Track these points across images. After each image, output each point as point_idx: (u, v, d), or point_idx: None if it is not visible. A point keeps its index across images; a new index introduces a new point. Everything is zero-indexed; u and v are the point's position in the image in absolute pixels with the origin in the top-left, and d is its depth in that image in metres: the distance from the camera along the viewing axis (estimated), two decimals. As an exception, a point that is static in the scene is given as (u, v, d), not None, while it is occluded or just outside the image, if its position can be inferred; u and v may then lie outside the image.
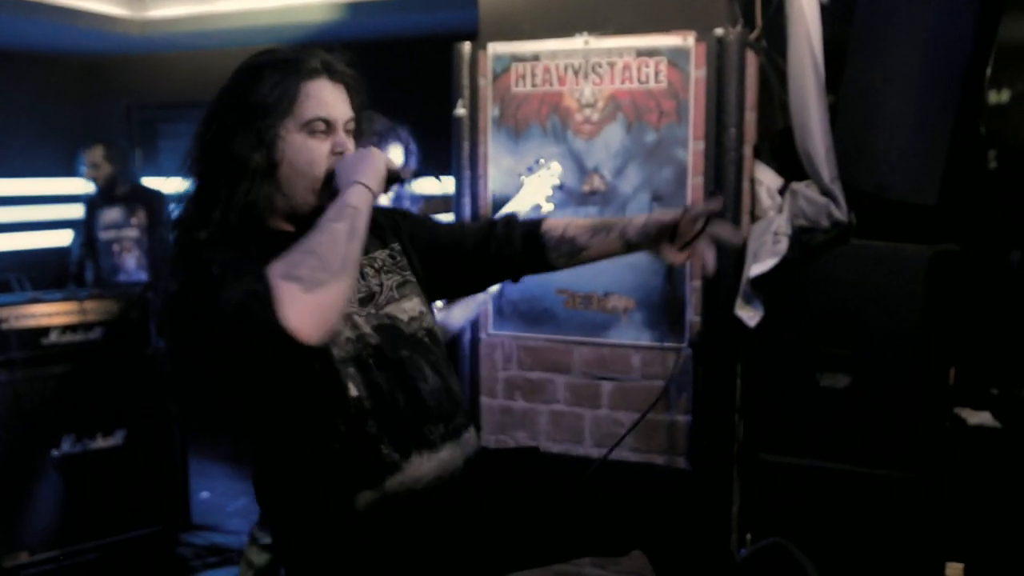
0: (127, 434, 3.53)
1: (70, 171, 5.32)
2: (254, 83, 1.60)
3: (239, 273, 1.47)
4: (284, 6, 4.70)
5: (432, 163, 2.67)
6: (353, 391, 1.59)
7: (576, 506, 1.71)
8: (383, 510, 1.58)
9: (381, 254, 1.78)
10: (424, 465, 1.62)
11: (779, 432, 2.77)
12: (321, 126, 1.62)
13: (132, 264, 4.84)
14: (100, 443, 3.48)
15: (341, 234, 1.50)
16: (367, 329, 1.65)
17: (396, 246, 1.82)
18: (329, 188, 1.62)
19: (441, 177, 2.05)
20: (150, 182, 5.45)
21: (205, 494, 4.13)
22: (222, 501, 4.12)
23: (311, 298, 1.41)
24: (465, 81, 3.10)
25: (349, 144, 1.67)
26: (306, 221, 1.59)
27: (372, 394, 1.60)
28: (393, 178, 1.67)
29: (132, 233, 4.83)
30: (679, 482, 1.84)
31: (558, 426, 3.01)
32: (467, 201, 3.11)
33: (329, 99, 1.64)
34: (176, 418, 3.65)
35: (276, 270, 1.43)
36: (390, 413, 1.61)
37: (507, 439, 3.09)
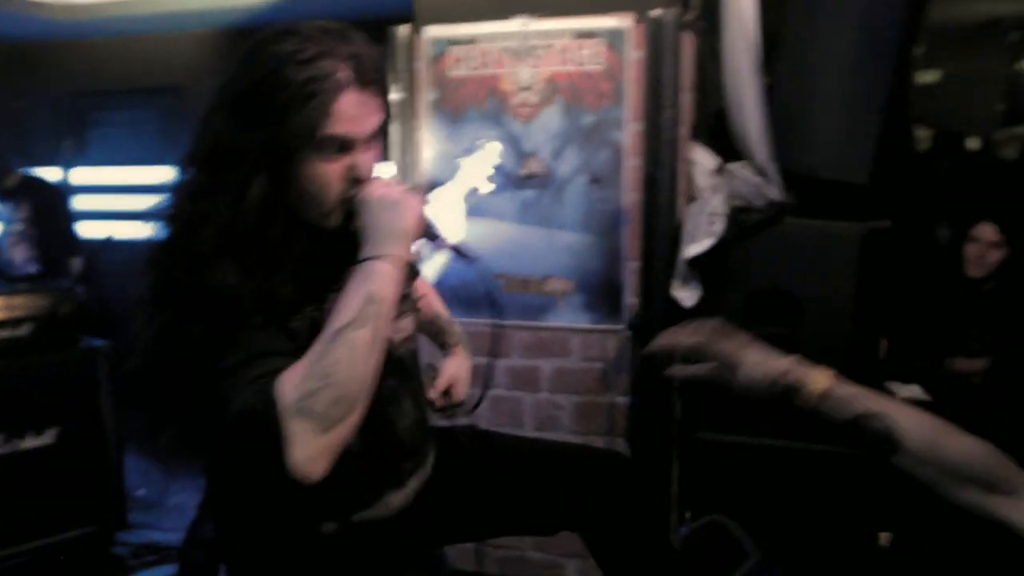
0: (59, 432, 3.42)
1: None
2: (274, 90, 1.31)
3: (251, 339, 1.28)
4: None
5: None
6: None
7: (505, 486, 1.72)
8: (346, 537, 1.54)
9: None
10: (392, 501, 1.58)
11: (716, 411, 2.79)
12: (338, 144, 1.35)
13: (21, 257, 4.74)
14: (31, 442, 3.36)
15: (361, 348, 1.26)
16: None
17: None
18: (345, 210, 1.38)
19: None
20: (50, 173, 5.31)
21: (141, 491, 4.04)
22: (159, 498, 4.03)
23: (324, 440, 1.23)
24: (402, 65, 3.05)
25: (365, 167, 1.39)
26: (308, 247, 1.39)
27: (357, 435, 1.41)
28: (432, 237, 1.42)
29: (18, 227, 4.72)
30: (609, 461, 1.83)
31: (498, 411, 3.00)
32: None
33: (355, 114, 1.34)
34: (111, 416, 3.55)
35: (286, 397, 1.22)
36: (369, 455, 1.50)
37: (447, 425, 3.06)
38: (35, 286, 4.39)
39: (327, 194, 1.37)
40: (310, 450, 1.22)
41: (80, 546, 3.45)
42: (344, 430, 1.26)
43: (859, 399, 1.39)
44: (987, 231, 3.23)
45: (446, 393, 1.82)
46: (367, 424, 1.36)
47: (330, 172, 1.36)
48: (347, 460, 1.33)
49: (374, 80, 1.37)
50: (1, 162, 4.77)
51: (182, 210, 1.36)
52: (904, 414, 1.36)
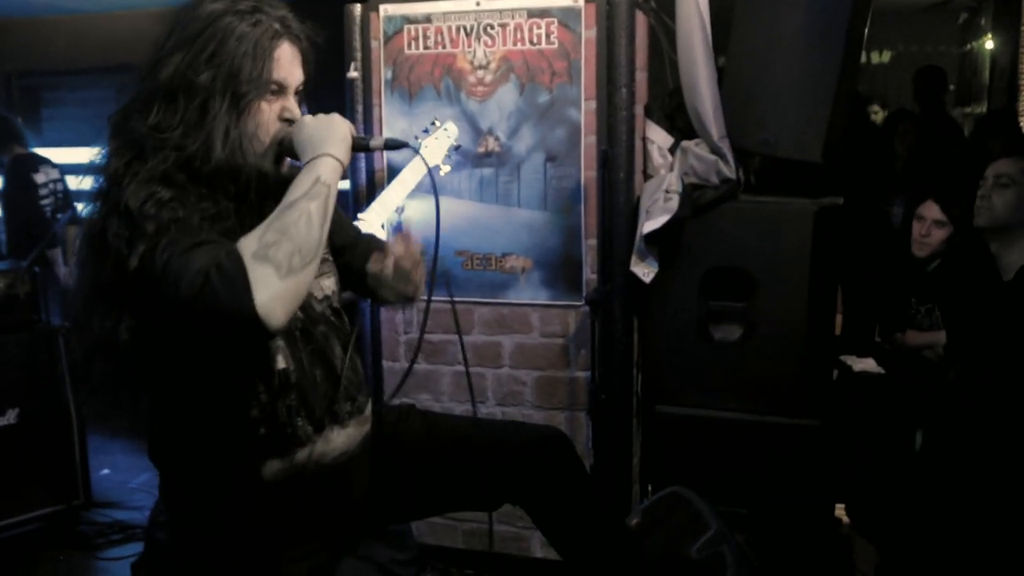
0: (20, 412, 3.41)
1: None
2: (223, 36, 1.51)
3: (191, 231, 1.41)
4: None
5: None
6: (281, 363, 1.58)
7: (444, 461, 1.82)
8: (288, 481, 1.59)
9: None
10: (333, 440, 1.65)
11: (676, 384, 2.85)
12: (274, 87, 1.56)
13: None
14: (-8, 423, 3.35)
15: (315, 215, 1.42)
16: None
17: None
18: (276, 154, 1.57)
19: None
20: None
21: (106, 471, 4.03)
22: (123, 477, 4.03)
23: (284, 284, 1.34)
24: (357, 43, 3.05)
25: (296, 110, 1.60)
26: (247, 187, 1.54)
27: (297, 367, 1.60)
28: (359, 147, 1.61)
29: None
30: (544, 435, 1.91)
31: (460, 387, 3.04)
32: (363, 165, 3.08)
33: (290, 63, 1.57)
34: (72, 394, 3.54)
35: (248, 248, 1.35)
36: (309, 387, 1.61)
37: (411, 401, 3.09)
38: (-9, 266, 4.34)
39: (265, 132, 1.56)
40: (272, 291, 1.33)
41: (46, 525, 3.46)
42: (302, 280, 1.38)
43: None
44: (931, 210, 3.25)
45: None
46: (304, 355, 1.60)
47: (268, 111, 1.55)
48: (287, 385, 1.55)
49: (300, 40, 1.60)
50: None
51: (136, 141, 1.51)
52: None
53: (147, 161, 1.48)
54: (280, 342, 1.58)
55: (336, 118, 1.57)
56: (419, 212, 2.97)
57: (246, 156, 1.53)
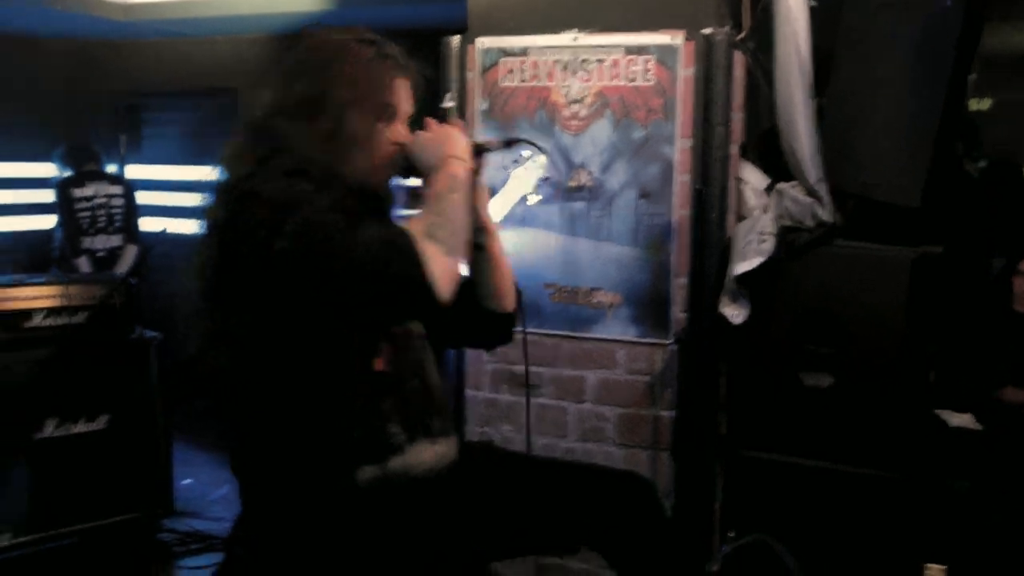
0: (110, 419, 3.51)
1: (50, 155, 5.33)
2: (354, 60, 1.64)
3: (353, 220, 1.48)
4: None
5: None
6: (381, 365, 1.62)
7: (524, 506, 1.77)
8: (381, 489, 1.60)
9: None
10: (424, 453, 1.66)
11: (762, 429, 2.79)
12: (393, 113, 1.68)
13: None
14: (83, 427, 3.45)
15: (460, 205, 1.56)
16: None
17: None
18: (395, 172, 1.69)
19: None
20: (137, 171, 5.49)
21: (188, 481, 4.12)
22: (205, 489, 4.11)
23: (449, 260, 1.48)
24: (453, 75, 3.11)
25: (408, 134, 1.70)
26: (356, 198, 1.61)
27: (396, 372, 1.64)
28: (480, 150, 1.72)
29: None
30: (626, 481, 1.88)
31: (544, 420, 3.03)
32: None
33: (405, 93, 1.71)
34: (160, 404, 3.63)
35: (417, 227, 1.48)
36: (405, 395, 1.65)
37: (492, 432, 3.11)
38: (91, 276, 4.51)
39: (380, 153, 1.66)
40: (441, 266, 1.46)
41: (126, 531, 3.53)
42: (459, 260, 1.54)
43: None
44: (1034, 266, 3.15)
45: None
46: (402, 361, 1.65)
47: (386, 133, 1.67)
48: (384, 388, 1.60)
49: (413, 73, 1.72)
50: (84, 151, 5.14)
51: (270, 145, 1.59)
52: None
53: (278, 162, 1.56)
54: (384, 344, 1.62)
55: (450, 128, 1.69)
56: (508, 243, 2.99)
57: (364, 172, 1.64)
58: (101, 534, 3.45)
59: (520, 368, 3.04)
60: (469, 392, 3.16)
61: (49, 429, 3.37)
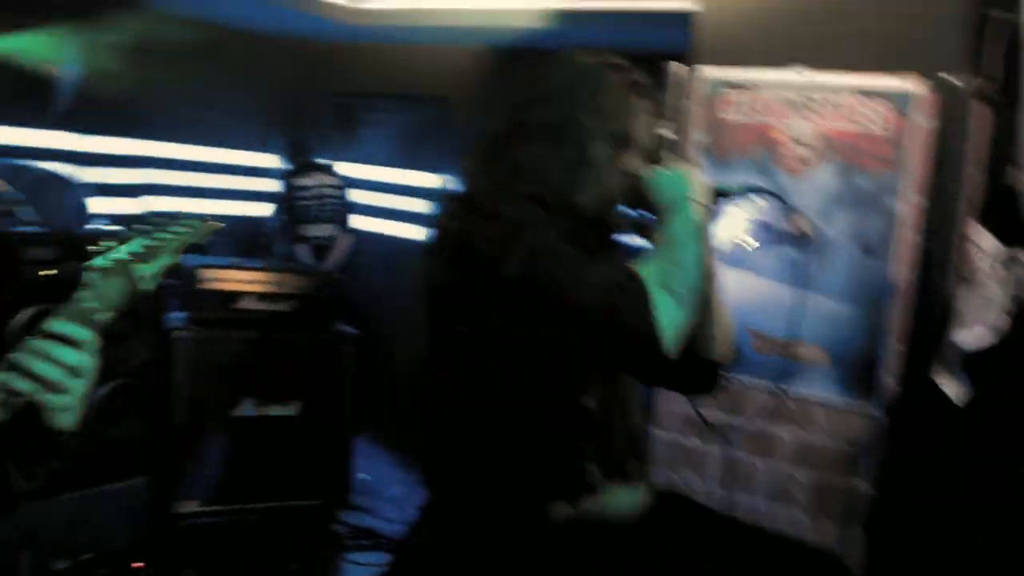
0: (302, 406, 3.63)
1: (265, 146, 5.66)
2: (603, 87, 1.59)
3: (584, 252, 1.46)
4: (498, 9, 4.74)
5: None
6: (589, 401, 1.57)
7: (716, 570, 1.67)
8: (573, 528, 1.56)
9: None
10: (618, 497, 1.61)
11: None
12: (631, 142, 1.61)
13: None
14: (277, 410, 3.59)
15: (700, 257, 1.50)
16: None
17: None
18: (624, 202, 1.63)
19: None
20: (348, 169, 5.75)
21: (364, 476, 4.23)
22: (380, 486, 4.20)
23: (680, 314, 1.41)
24: (673, 102, 3.04)
25: (640, 165, 1.64)
26: (586, 228, 1.59)
27: (601, 410, 1.59)
28: (721, 193, 1.64)
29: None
30: (822, 562, 1.75)
31: (729, 472, 2.91)
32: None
33: (644, 118, 1.64)
34: (351, 399, 3.73)
35: (649, 272, 1.43)
36: (606, 435, 1.60)
37: (676, 478, 3.01)
38: (302, 266, 4.73)
39: (615, 182, 1.59)
40: (671, 318, 1.39)
41: (304, 516, 3.64)
42: (691, 318, 1.45)
43: None
44: None
45: None
46: (608, 399, 1.57)
47: (620, 162, 1.60)
48: (588, 425, 1.53)
49: (652, 100, 1.65)
50: (303, 145, 5.57)
51: (509, 165, 1.57)
52: None
53: (517, 183, 1.54)
54: (592, 380, 1.57)
55: (691, 169, 1.61)
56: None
57: (599, 201, 1.59)
58: (281, 515, 3.58)
59: (710, 413, 2.94)
60: (653, 431, 3.08)
61: (246, 408, 3.52)
